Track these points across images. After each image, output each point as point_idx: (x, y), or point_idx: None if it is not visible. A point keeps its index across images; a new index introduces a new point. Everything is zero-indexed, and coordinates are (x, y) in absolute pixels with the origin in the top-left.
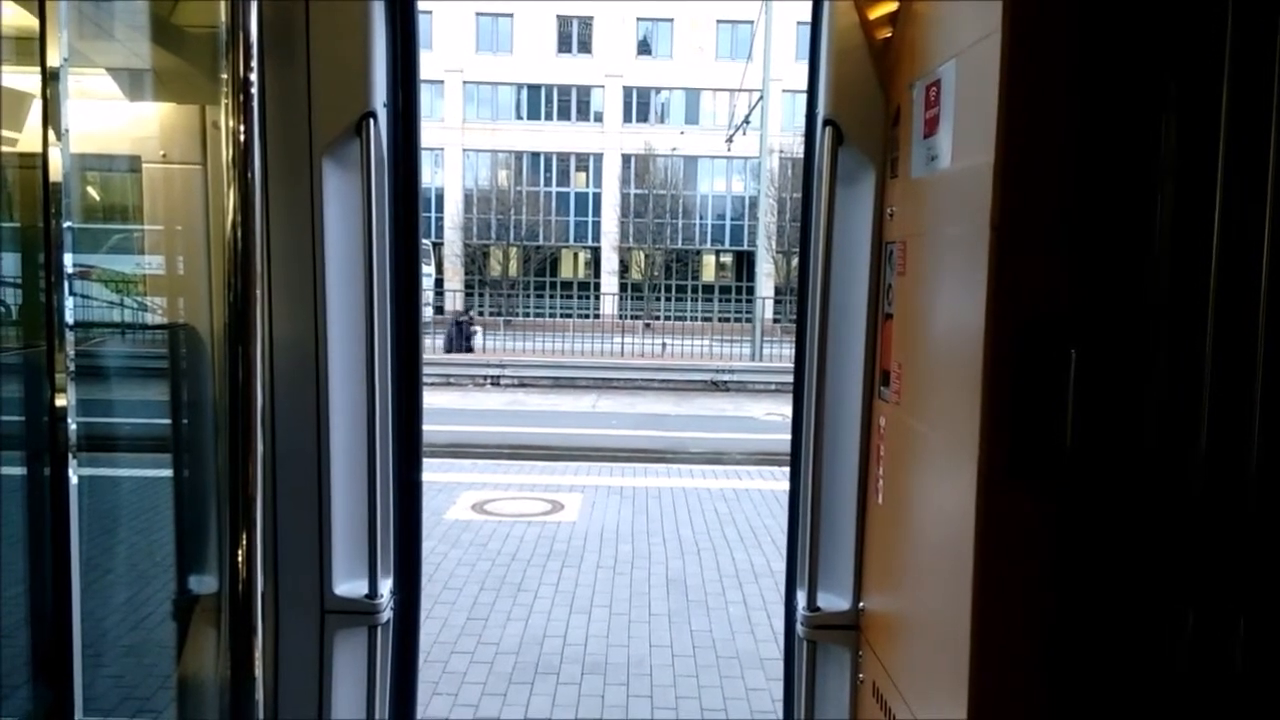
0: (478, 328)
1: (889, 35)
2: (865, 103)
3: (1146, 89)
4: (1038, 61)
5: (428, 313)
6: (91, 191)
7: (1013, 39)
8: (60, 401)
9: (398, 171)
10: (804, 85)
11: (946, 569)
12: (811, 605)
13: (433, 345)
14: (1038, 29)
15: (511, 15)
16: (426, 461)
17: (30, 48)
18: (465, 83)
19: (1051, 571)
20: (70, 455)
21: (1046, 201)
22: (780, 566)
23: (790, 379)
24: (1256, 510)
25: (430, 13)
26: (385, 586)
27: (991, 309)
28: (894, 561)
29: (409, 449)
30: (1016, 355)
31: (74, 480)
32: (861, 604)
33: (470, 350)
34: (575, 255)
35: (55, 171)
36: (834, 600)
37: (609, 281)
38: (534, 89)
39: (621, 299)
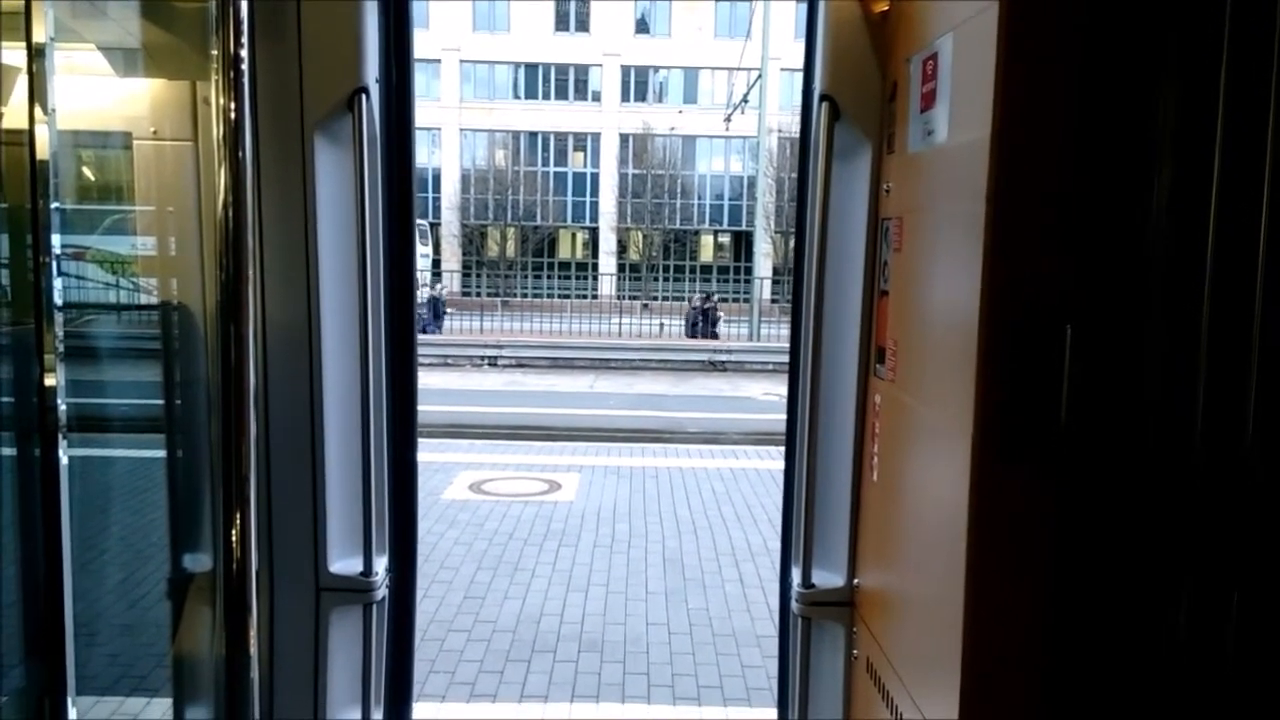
0: (721, 313)
1: (886, 9)
2: (862, 77)
3: (1145, 65)
4: (1035, 35)
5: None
6: (81, 169)
7: (1010, 12)
8: (50, 382)
9: (391, 149)
10: (802, 64)
11: (941, 545)
12: (806, 582)
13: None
14: (1035, 2)
15: None
16: (424, 442)
17: (16, 23)
18: (462, 62)
19: (1046, 548)
20: (60, 435)
21: (1044, 177)
22: (777, 545)
23: (787, 359)
24: (1251, 489)
25: None
26: (380, 564)
27: (987, 285)
28: (889, 538)
29: (403, 426)
30: (1012, 331)
31: (64, 461)
32: (856, 581)
33: (715, 336)
34: (573, 235)
35: (42, 150)
36: (829, 577)
37: (607, 262)
38: (531, 68)
39: (619, 279)
